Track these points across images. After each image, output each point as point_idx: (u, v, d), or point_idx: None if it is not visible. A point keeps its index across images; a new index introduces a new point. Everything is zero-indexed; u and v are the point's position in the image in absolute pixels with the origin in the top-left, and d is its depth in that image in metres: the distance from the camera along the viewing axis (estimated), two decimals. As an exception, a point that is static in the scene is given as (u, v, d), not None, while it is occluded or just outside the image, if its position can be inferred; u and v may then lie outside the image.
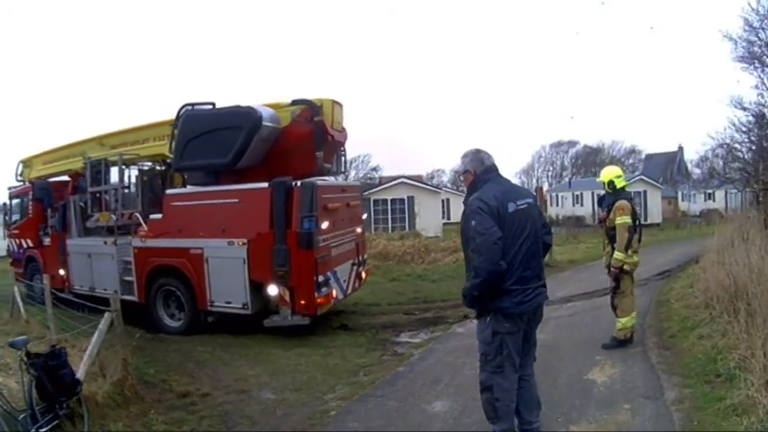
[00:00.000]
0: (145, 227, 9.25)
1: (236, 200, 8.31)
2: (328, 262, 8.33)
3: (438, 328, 8.63)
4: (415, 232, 24.78)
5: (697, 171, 30.84)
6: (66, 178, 11.60)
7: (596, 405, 4.74)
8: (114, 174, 10.19)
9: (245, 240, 8.16)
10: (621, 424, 4.32)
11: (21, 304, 9.26)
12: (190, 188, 9.07)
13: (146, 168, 10.27)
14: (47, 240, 11.27)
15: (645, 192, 31.79)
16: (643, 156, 51.79)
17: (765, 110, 15.65)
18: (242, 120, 8.14)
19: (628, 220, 6.19)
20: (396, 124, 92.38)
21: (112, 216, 9.68)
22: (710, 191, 26.99)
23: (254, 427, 5.03)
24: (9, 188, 12.66)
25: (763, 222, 7.52)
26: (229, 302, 8.40)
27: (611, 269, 6.38)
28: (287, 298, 8.05)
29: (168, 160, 10.16)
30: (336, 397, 5.63)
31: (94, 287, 10.08)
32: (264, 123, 8.17)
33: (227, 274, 8.32)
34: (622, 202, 6.30)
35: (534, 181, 60.61)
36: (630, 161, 56.28)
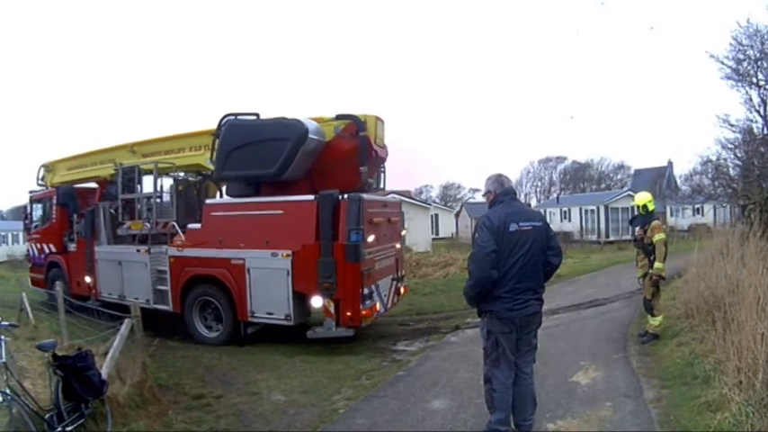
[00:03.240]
0: (182, 236, 9.23)
1: (281, 211, 8.33)
2: (372, 275, 8.40)
3: (432, 338, 8.92)
4: (405, 247, 24.94)
5: (685, 187, 31.34)
6: (91, 185, 11.54)
7: (580, 403, 5.18)
8: (147, 182, 10.18)
9: (290, 252, 8.18)
10: (603, 419, 4.74)
11: (29, 310, 9.25)
12: (231, 199, 9.05)
13: (181, 178, 10.22)
14: (72, 246, 11.17)
15: (632, 208, 32.08)
16: (632, 171, 52.39)
17: (754, 125, 16.11)
18: (288, 131, 8.19)
19: (664, 236, 7.30)
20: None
21: (146, 224, 9.63)
22: (698, 206, 27.55)
23: (268, 425, 5.26)
24: (30, 192, 12.50)
25: (747, 236, 7.93)
26: (271, 314, 8.41)
27: (654, 277, 7.31)
28: (331, 310, 8.08)
29: (204, 171, 10.21)
30: (342, 398, 5.96)
31: (124, 295, 10.00)
32: (311, 136, 8.23)
33: (269, 286, 8.33)
34: (657, 222, 7.43)
35: (522, 197, 61.12)
36: (619, 177, 57.11)
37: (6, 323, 4.44)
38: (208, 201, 9.31)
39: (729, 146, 16.82)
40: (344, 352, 8.25)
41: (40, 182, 12.41)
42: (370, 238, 8.28)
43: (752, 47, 15.54)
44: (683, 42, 78.07)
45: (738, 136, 16.51)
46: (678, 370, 5.76)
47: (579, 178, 58.79)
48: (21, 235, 38.61)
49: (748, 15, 16.36)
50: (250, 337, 8.79)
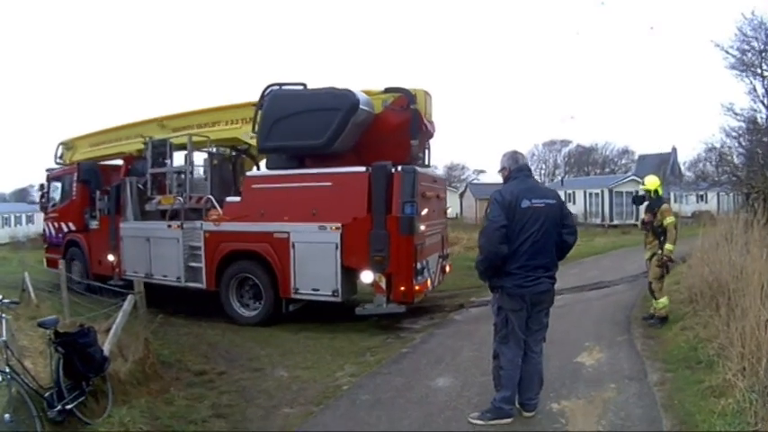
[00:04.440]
0: (219, 210, 8.84)
1: (329, 183, 8.01)
2: (424, 250, 8.10)
3: (437, 316, 8.79)
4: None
5: (689, 173, 31.42)
6: (114, 162, 11.11)
7: (585, 384, 5.16)
8: (177, 157, 9.81)
9: (339, 225, 7.85)
10: (608, 400, 4.70)
11: (31, 289, 9.03)
12: (273, 171, 8.69)
13: (216, 152, 9.83)
14: (94, 224, 10.67)
15: (637, 192, 31.97)
16: (636, 156, 51.52)
17: (758, 115, 16.27)
18: (339, 101, 7.90)
19: (675, 219, 7.42)
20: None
21: (179, 199, 9.22)
22: (702, 192, 27.66)
23: (272, 400, 5.22)
24: (47, 170, 11.99)
25: (751, 224, 7.94)
26: (317, 290, 8.04)
27: (664, 258, 7.34)
28: (382, 285, 7.74)
29: (239, 146, 9.87)
30: (346, 374, 5.92)
31: (152, 273, 9.54)
32: (361, 107, 7.95)
33: (316, 260, 7.98)
34: (666, 206, 7.58)
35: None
36: (623, 161, 56.14)
37: (7, 300, 4.34)
38: (249, 173, 8.96)
39: (733, 134, 17.06)
40: (348, 329, 8.11)
41: (58, 160, 11.93)
42: (424, 212, 8.01)
43: (756, 38, 15.80)
44: (690, 31, 79.41)
45: (743, 125, 16.71)
46: (682, 354, 5.75)
47: (584, 162, 57.96)
48: (23, 217, 40.00)
49: (753, 8, 16.59)
50: (291, 316, 8.42)
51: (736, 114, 16.68)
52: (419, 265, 7.86)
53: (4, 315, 4.10)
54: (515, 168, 4.37)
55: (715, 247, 8.25)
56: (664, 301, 7.35)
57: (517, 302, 4.18)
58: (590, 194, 35.63)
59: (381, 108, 8.41)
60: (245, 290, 8.73)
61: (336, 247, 7.87)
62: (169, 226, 9.31)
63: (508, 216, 4.09)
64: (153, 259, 9.55)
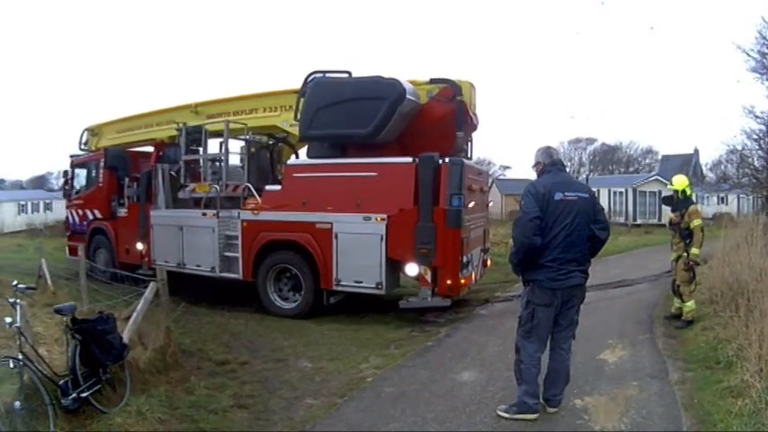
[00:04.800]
0: (258, 199, 8.67)
1: (375, 173, 7.86)
2: (469, 244, 7.99)
3: (462, 310, 8.66)
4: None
5: (711, 175, 31.34)
6: (143, 148, 10.91)
7: (608, 381, 5.19)
8: (211, 144, 9.63)
9: (385, 216, 7.70)
10: (630, 398, 4.73)
11: (48, 276, 8.93)
12: (315, 159, 8.53)
13: (253, 140, 9.65)
14: (122, 211, 10.47)
15: (660, 192, 30.87)
16: (659, 156, 51.31)
17: None
18: (385, 91, 7.75)
19: (701, 222, 7.26)
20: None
21: (215, 187, 9.04)
22: (723, 194, 27.62)
23: (295, 391, 5.16)
24: (71, 156, 11.75)
25: None
26: (360, 282, 7.89)
27: (691, 262, 7.22)
28: (428, 278, 7.61)
29: (277, 134, 9.70)
30: (371, 366, 5.87)
31: (184, 263, 9.38)
32: (408, 97, 7.80)
33: (360, 252, 7.82)
34: (694, 207, 7.38)
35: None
36: (647, 161, 55.92)
37: (23, 286, 4.30)
38: (289, 161, 8.79)
39: (754, 136, 16.97)
40: (373, 321, 8.09)
41: (83, 146, 11.70)
42: (471, 204, 7.89)
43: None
44: (714, 32, 79.15)
45: (763, 127, 16.66)
46: (702, 354, 5.79)
47: (608, 161, 57.75)
48: (41, 204, 40.27)
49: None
50: (332, 308, 8.28)
51: (756, 117, 16.64)
52: (464, 259, 7.75)
53: (18, 301, 4.02)
54: (549, 162, 4.39)
55: (735, 249, 8.31)
56: (690, 305, 7.24)
57: (547, 296, 4.15)
58: (614, 193, 35.30)
59: (426, 98, 8.27)
60: (283, 281, 8.58)
61: (381, 239, 7.73)
62: (204, 214, 9.13)
63: (541, 208, 4.09)
64: (186, 248, 9.37)
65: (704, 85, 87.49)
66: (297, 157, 9.78)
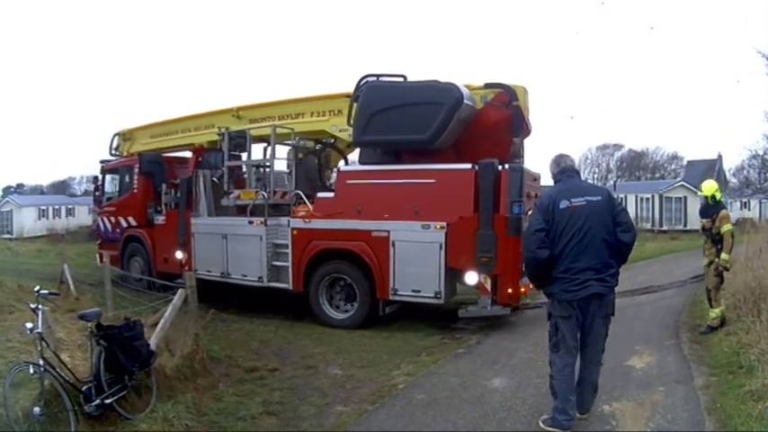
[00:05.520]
0: (309, 206, 8.51)
1: (433, 180, 7.73)
2: (526, 251, 7.87)
3: (491, 317, 8.51)
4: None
5: (734, 180, 31.40)
6: (179, 154, 10.71)
7: (635, 387, 5.25)
8: (255, 149, 9.45)
9: (444, 224, 7.57)
10: (656, 403, 4.81)
11: (71, 281, 8.92)
12: (369, 166, 8.38)
13: (301, 145, 9.47)
14: (159, 219, 10.23)
15: (685, 198, 31.65)
16: (684, 162, 50.96)
17: None
18: (444, 96, 7.63)
19: (731, 227, 7.22)
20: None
21: (262, 193, 8.86)
22: (746, 200, 27.69)
23: (325, 398, 5.14)
24: (102, 161, 11.49)
25: None
26: (417, 291, 7.74)
27: (720, 268, 7.22)
28: (488, 286, 7.49)
29: (324, 139, 9.54)
30: (402, 373, 5.87)
31: (229, 272, 9.16)
32: (465, 102, 7.69)
33: (418, 260, 7.67)
34: (725, 212, 7.33)
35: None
36: (672, 167, 55.98)
37: (46, 291, 4.27)
38: (342, 168, 8.63)
39: None
40: (404, 328, 8.06)
41: (114, 151, 11.46)
42: (529, 212, 7.77)
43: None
44: (736, 37, 78.84)
45: None
46: (726, 358, 5.85)
47: (635, 167, 57.82)
48: (63, 209, 40.40)
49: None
50: (388, 318, 8.14)
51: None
52: (523, 267, 7.64)
53: (40, 306, 3.99)
54: (558, 171, 4.31)
55: (758, 254, 8.34)
56: (717, 311, 7.21)
57: (565, 309, 4.02)
58: (641, 199, 35.30)
59: (480, 104, 8.16)
60: (335, 290, 8.42)
61: (441, 247, 7.58)
62: (251, 222, 8.92)
63: (547, 219, 3.98)
64: (230, 258, 9.13)
65: (729, 90, 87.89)
66: (346, 162, 9.62)
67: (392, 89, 8.09)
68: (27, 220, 36.57)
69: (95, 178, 11.83)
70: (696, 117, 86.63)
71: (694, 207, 31.68)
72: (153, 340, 5.04)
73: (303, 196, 8.63)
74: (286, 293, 8.81)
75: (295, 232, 8.49)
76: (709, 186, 7.53)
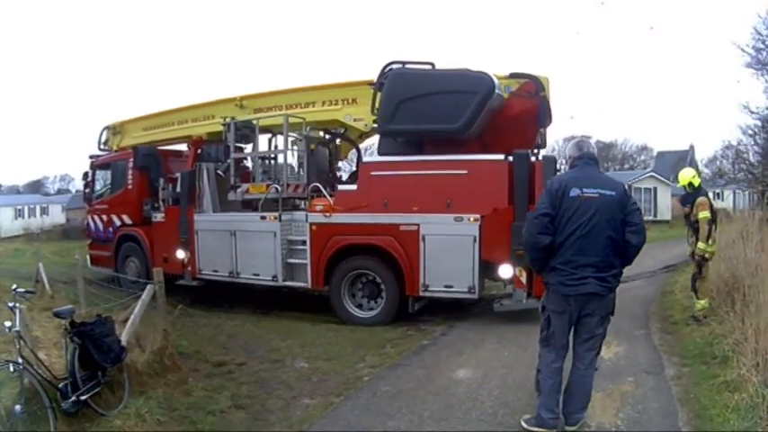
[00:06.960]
0: (329, 199, 8.04)
1: (465, 171, 7.43)
2: (559, 243, 7.69)
3: (456, 309, 8.47)
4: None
5: (707, 171, 32.20)
6: (173, 147, 10.02)
7: (603, 377, 5.07)
8: (263, 140, 8.91)
9: (478, 216, 7.28)
10: (626, 393, 4.78)
11: (46, 280, 8.87)
12: (395, 157, 7.97)
13: (311, 135, 8.95)
14: (158, 216, 9.47)
15: (655, 189, 31.91)
16: (654, 153, 51.74)
17: None
18: (476, 84, 7.35)
19: (708, 214, 6.98)
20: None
21: (274, 186, 8.33)
22: (719, 190, 28.53)
23: (292, 391, 5.20)
24: (91, 156, 10.59)
25: (766, 221, 8.14)
26: (450, 286, 7.42)
27: (696, 257, 7.11)
28: (523, 280, 7.26)
29: (334, 129, 9.09)
30: (367, 366, 5.91)
31: (237, 272, 8.58)
32: (497, 91, 7.46)
33: (450, 254, 7.34)
34: (702, 199, 7.11)
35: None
36: (642, 158, 56.23)
37: (22, 290, 4.31)
38: (366, 159, 8.22)
39: (750, 132, 17.54)
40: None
41: (102, 146, 10.60)
42: None
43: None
44: (708, 29, 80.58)
45: (758, 122, 17.25)
46: (698, 349, 5.82)
47: (603, 158, 57.10)
48: (38, 208, 39.88)
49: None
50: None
51: (752, 112, 17.19)
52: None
53: (17, 305, 4.02)
54: (577, 156, 4.04)
55: (731, 245, 8.33)
56: (703, 303, 7.04)
57: (559, 303, 3.82)
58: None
59: (506, 93, 7.92)
60: (357, 287, 7.99)
61: (475, 240, 7.28)
62: (263, 217, 8.37)
63: (554, 204, 3.76)
64: (239, 255, 8.54)
65: (699, 82, 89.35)
66: (359, 153, 9.19)
67: (421, 77, 7.75)
68: (4, 221, 36.05)
69: (85, 174, 10.85)
70: (667, 109, 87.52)
71: (664, 197, 32.80)
72: (124, 336, 5.09)
73: (322, 189, 8.14)
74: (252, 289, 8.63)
75: (314, 227, 8.00)
76: (685, 176, 7.46)
